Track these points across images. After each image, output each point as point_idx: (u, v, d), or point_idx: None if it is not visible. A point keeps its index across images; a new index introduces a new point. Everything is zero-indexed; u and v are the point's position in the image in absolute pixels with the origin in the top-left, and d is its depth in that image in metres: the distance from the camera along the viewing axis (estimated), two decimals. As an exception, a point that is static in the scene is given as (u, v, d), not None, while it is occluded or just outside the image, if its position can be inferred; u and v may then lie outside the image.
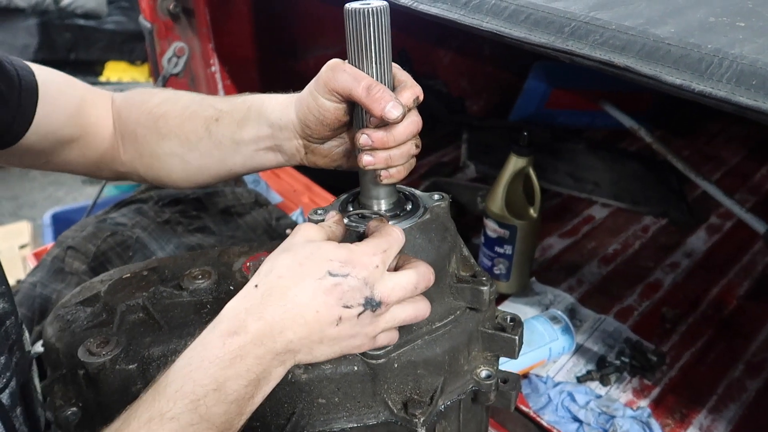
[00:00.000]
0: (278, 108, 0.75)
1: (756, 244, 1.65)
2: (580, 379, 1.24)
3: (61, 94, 0.81)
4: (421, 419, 0.64)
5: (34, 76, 0.78)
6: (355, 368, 0.65)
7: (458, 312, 0.70)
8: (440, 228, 0.70)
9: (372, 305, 0.58)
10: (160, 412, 0.52)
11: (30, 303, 1.12)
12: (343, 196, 0.74)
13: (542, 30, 0.72)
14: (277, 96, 0.77)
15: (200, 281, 0.77)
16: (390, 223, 0.65)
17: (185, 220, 1.29)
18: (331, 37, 2.01)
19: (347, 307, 0.57)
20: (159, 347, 0.70)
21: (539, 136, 2.04)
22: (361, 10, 0.59)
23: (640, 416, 1.13)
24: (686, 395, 1.23)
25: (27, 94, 0.76)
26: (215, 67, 1.71)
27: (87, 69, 3.62)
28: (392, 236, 0.62)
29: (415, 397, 0.67)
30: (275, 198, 1.68)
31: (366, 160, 0.65)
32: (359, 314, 0.58)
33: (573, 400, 1.16)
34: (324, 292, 0.57)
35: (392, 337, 0.63)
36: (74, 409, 0.74)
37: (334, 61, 0.65)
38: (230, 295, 0.60)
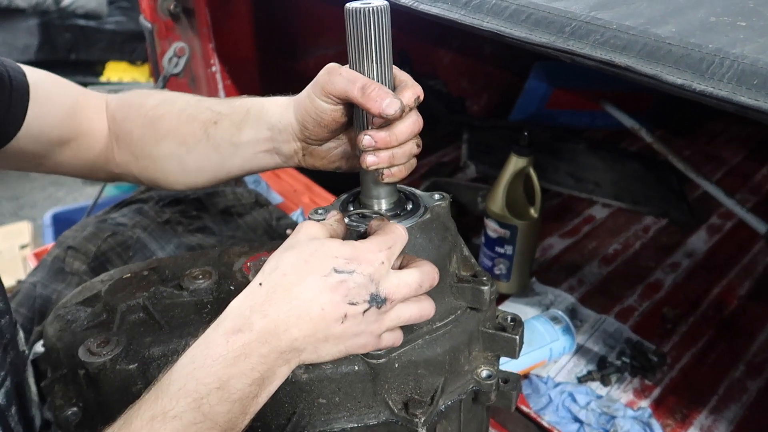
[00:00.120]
0: (278, 111, 0.75)
1: (757, 244, 1.65)
2: (581, 380, 1.24)
3: (53, 96, 0.81)
4: (422, 419, 0.64)
5: (25, 77, 0.78)
6: (356, 368, 0.65)
7: (459, 312, 0.70)
8: (441, 228, 0.70)
9: (377, 302, 0.57)
10: (162, 411, 0.52)
11: (30, 303, 1.12)
12: (344, 196, 0.74)
13: (543, 30, 0.72)
14: (275, 99, 0.77)
15: (201, 281, 0.77)
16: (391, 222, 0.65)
17: (185, 220, 1.29)
18: (331, 38, 2.01)
19: (353, 303, 0.57)
20: (159, 347, 0.70)
21: (540, 136, 2.04)
22: (362, 10, 0.59)
23: (640, 417, 1.13)
24: (687, 395, 1.23)
25: (18, 95, 0.76)
26: (215, 67, 1.70)
27: (87, 69, 3.62)
28: (396, 233, 0.62)
29: (416, 397, 0.67)
30: (276, 198, 1.68)
31: (370, 160, 0.65)
32: (365, 311, 0.57)
33: (574, 400, 1.16)
34: (329, 289, 0.56)
35: (397, 337, 0.63)
36: (74, 409, 0.74)
37: (331, 65, 0.66)
38: (231, 295, 0.60)
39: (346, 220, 0.68)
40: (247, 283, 0.60)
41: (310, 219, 0.69)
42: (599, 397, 1.19)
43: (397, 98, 0.61)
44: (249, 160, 0.80)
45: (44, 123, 0.79)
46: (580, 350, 1.32)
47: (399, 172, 0.66)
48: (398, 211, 0.70)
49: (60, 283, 1.13)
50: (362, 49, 0.62)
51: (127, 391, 0.69)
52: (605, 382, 1.24)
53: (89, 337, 0.71)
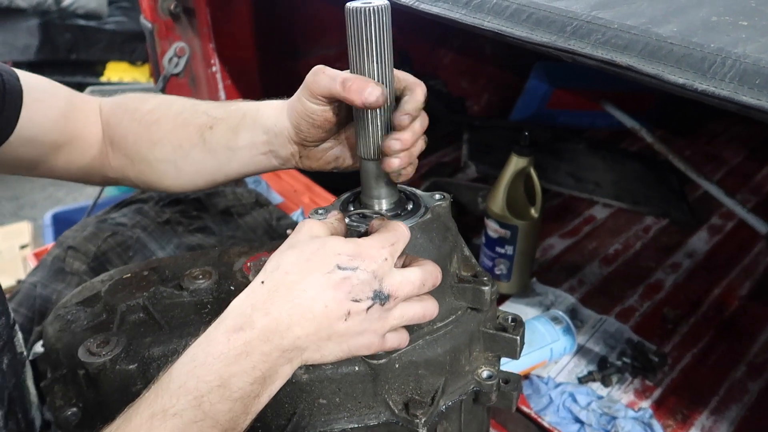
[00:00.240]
0: (273, 115, 0.76)
1: (757, 245, 1.65)
2: (582, 380, 1.24)
3: (47, 99, 0.81)
4: (423, 420, 0.64)
5: (18, 80, 0.77)
6: (356, 368, 0.65)
7: (459, 312, 0.70)
8: (441, 227, 0.70)
9: (381, 298, 0.57)
10: (162, 409, 0.52)
11: (30, 303, 1.12)
12: (344, 196, 0.74)
13: (544, 29, 0.72)
14: (271, 102, 0.78)
15: (201, 281, 0.77)
16: None
17: (185, 221, 1.29)
18: (331, 38, 2.00)
19: (356, 300, 0.56)
20: (159, 347, 0.70)
21: (540, 136, 2.04)
22: (363, 9, 0.59)
23: (641, 417, 1.13)
24: (688, 396, 1.22)
25: (11, 98, 0.76)
26: (216, 67, 1.70)
27: (88, 69, 3.62)
28: (399, 231, 0.61)
29: (417, 397, 0.67)
30: (276, 198, 1.68)
31: (397, 163, 0.65)
32: (368, 308, 0.57)
33: (574, 401, 1.16)
34: (333, 286, 0.56)
35: (402, 338, 0.62)
36: (74, 409, 0.74)
37: (316, 67, 0.67)
38: (231, 294, 0.60)
39: (347, 220, 0.68)
40: (247, 283, 0.60)
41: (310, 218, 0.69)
42: (600, 397, 1.19)
43: (377, 85, 0.62)
44: (246, 164, 0.80)
45: (38, 127, 0.79)
46: (581, 351, 1.32)
47: (412, 170, 0.68)
48: (399, 211, 0.70)
49: (60, 283, 1.13)
50: (363, 48, 0.62)
51: (127, 391, 0.69)
52: (606, 382, 1.23)
53: (89, 337, 0.71)
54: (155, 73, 1.67)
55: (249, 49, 1.80)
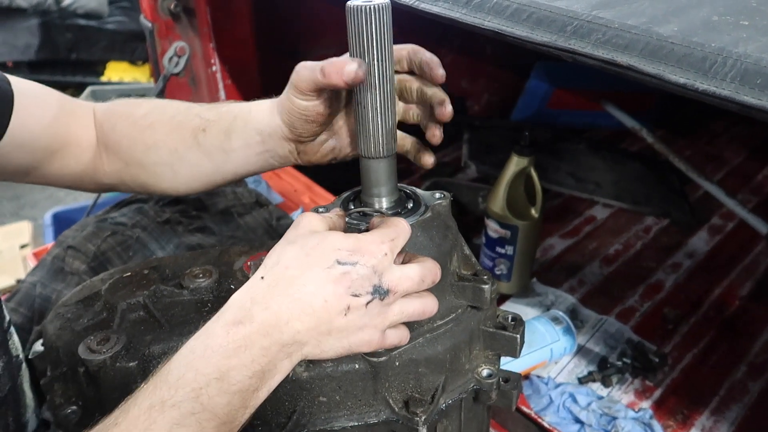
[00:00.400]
0: (265, 116, 0.76)
1: (758, 245, 1.65)
2: (582, 380, 1.24)
3: (38, 104, 0.80)
4: (423, 418, 0.64)
5: (9, 85, 0.77)
6: (357, 366, 0.65)
7: (459, 310, 0.70)
8: (442, 226, 0.70)
9: (380, 293, 0.57)
10: (161, 400, 0.52)
11: (30, 303, 1.12)
12: (345, 195, 0.74)
13: (544, 29, 0.72)
14: (262, 103, 0.78)
15: (201, 280, 0.77)
16: None
17: (185, 220, 1.29)
18: (332, 38, 2.00)
19: (356, 295, 0.56)
20: (159, 345, 0.70)
21: (541, 136, 2.03)
22: (363, 8, 0.60)
23: (641, 417, 1.13)
24: (688, 396, 1.22)
25: (2, 103, 0.75)
26: (216, 67, 1.71)
27: (88, 69, 3.63)
28: (399, 227, 0.61)
29: (417, 395, 0.67)
30: (276, 198, 1.68)
31: (439, 135, 0.74)
32: (368, 303, 0.57)
33: (574, 401, 1.16)
34: (332, 281, 0.56)
35: (402, 335, 0.62)
36: (74, 407, 0.74)
37: (300, 64, 0.69)
38: (231, 293, 0.60)
39: (347, 218, 0.68)
40: (247, 281, 0.60)
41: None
42: (600, 397, 1.19)
43: (353, 60, 0.63)
44: (242, 165, 0.80)
45: (30, 131, 0.79)
46: (581, 351, 1.32)
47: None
48: (399, 210, 0.70)
49: (60, 282, 1.13)
50: (363, 47, 0.62)
51: (127, 388, 0.68)
52: (606, 382, 1.23)
53: (89, 335, 0.71)
54: (155, 73, 1.67)
55: (249, 49, 1.80)
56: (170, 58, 1.57)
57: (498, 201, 1.33)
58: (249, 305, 0.56)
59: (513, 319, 0.74)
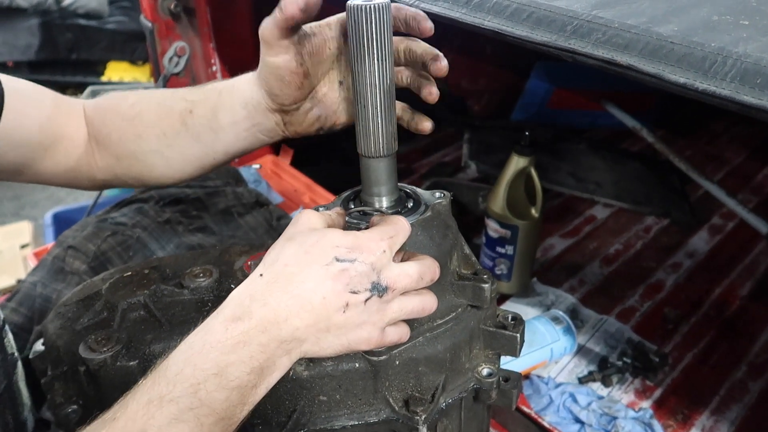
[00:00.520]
0: (247, 87, 0.77)
1: (758, 245, 1.65)
2: (582, 380, 1.24)
3: (30, 102, 0.81)
4: (423, 417, 0.64)
5: (0, 84, 0.77)
6: (357, 365, 0.65)
7: (460, 309, 0.70)
8: (442, 225, 0.70)
9: (379, 290, 0.57)
10: (159, 395, 0.52)
11: (30, 303, 1.12)
12: (345, 194, 0.74)
13: (544, 28, 0.72)
14: (244, 76, 0.78)
15: (201, 279, 0.77)
16: None
17: (186, 220, 1.29)
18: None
19: (354, 292, 0.56)
20: (160, 344, 0.70)
21: (541, 136, 2.03)
22: (363, 7, 0.60)
23: (642, 417, 1.13)
24: (688, 396, 1.22)
25: None
26: (216, 67, 1.71)
27: (88, 69, 3.63)
28: (398, 224, 0.61)
29: (417, 394, 0.67)
30: (276, 198, 1.68)
31: (436, 92, 0.76)
32: (366, 300, 0.57)
33: (575, 401, 1.16)
34: (331, 278, 0.56)
35: (402, 333, 0.62)
36: (75, 406, 0.74)
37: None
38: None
39: (347, 217, 0.68)
40: (248, 279, 0.60)
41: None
42: (600, 397, 1.19)
43: None
44: (232, 143, 0.80)
45: (21, 129, 0.79)
46: (581, 351, 1.32)
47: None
48: (399, 209, 0.70)
49: (60, 282, 1.13)
50: (363, 46, 0.62)
51: (128, 388, 0.68)
52: (606, 382, 1.23)
53: (90, 335, 0.71)
54: (155, 73, 1.67)
55: (249, 49, 1.80)
56: (170, 58, 1.57)
57: (498, 201, 1.33)
58: (248, 302, 0.56)
59: (513, 319, 0.74)
